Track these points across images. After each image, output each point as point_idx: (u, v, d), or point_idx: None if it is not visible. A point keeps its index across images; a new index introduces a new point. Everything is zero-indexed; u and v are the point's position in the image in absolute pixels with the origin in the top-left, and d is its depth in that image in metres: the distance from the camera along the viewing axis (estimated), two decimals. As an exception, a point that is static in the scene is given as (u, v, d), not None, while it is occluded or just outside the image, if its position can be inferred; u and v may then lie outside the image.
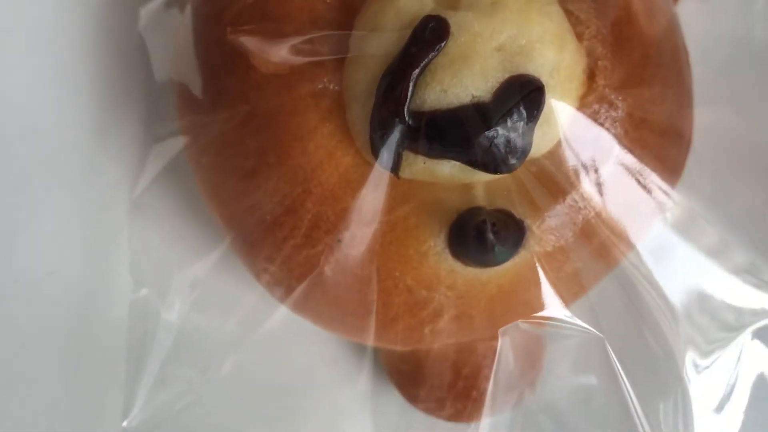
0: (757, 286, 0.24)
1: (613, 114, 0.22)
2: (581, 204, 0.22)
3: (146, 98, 0.28)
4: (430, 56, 0.20)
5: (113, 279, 0.28)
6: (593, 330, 0.22)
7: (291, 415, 0.27)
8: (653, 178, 0.23)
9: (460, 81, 0.20)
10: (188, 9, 0.24)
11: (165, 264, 0.26)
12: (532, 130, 0.20)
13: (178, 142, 0.25)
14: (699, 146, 0.25)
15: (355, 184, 0.22)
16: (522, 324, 0.22)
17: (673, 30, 0.24)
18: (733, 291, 0.24)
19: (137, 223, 0.26)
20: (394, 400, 0.26)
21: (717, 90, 0.26)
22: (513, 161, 0.20)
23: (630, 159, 0.22)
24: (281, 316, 0.25)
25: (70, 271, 0.28)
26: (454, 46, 0.20)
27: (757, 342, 0.24)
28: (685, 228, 0.24)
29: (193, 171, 0.25)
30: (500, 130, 0.20)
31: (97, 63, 0.28)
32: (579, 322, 0.22)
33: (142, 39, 0.27)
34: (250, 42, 0.22)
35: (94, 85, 0.28)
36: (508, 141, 0.20)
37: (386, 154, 0.21)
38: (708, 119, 0.25)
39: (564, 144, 0.21)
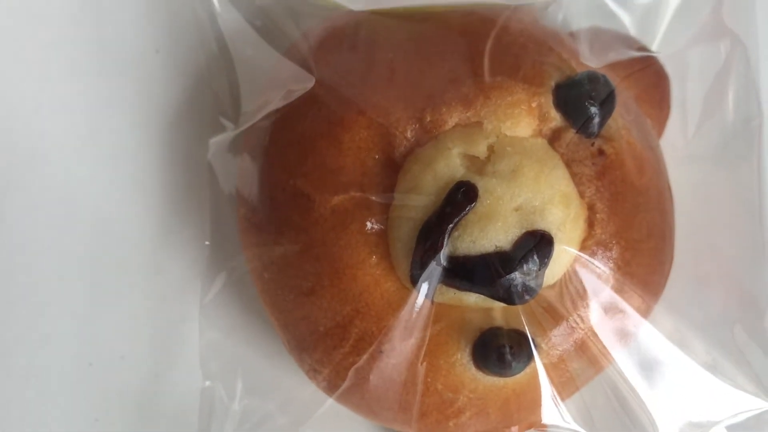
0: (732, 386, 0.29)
1: (608, 254, 0.26)
2: (580, 325, 0.27)
3: (208, 212, 0.31)
4: (461, 215, 0.24)
5: (177, 363, 0.32)
6: (589, 434, 0.27)
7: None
8: (637, 301, 0.27)
9: (486, 234, 0.25)
10: (254, 148, 0.29)
11: (230, 360, 0.30)
12: (543, 273, 0.25)
13: (243, 264, 0.30)
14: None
15: (396, 305, 0.26)
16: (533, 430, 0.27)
17: (659, 176, 0.28)
18: (706, 390, 0.28)
19: (206, 324, 0.30)
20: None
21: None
22: (527, 297, 0.25)
23: (620, 287, 0.27)
24: (327, 407, 0.29)
25: (140, 356, 0.32)
26: (481, 206, 0.25)
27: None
28: (662, 337, 0.28)
29: (254, 282, 0.29)
30: (518, 275, 0.24)
31: (166, 181, 0.32)
32: (578, 428, 0.27)
33: (211, 166, 0.31)
34: (311, 187, 0.26)
35: (164, 199, 0.32)
36: (524, 283, 0.25)
37: (423, 285, 0.25)
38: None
39: (566, 278, 0.26)
